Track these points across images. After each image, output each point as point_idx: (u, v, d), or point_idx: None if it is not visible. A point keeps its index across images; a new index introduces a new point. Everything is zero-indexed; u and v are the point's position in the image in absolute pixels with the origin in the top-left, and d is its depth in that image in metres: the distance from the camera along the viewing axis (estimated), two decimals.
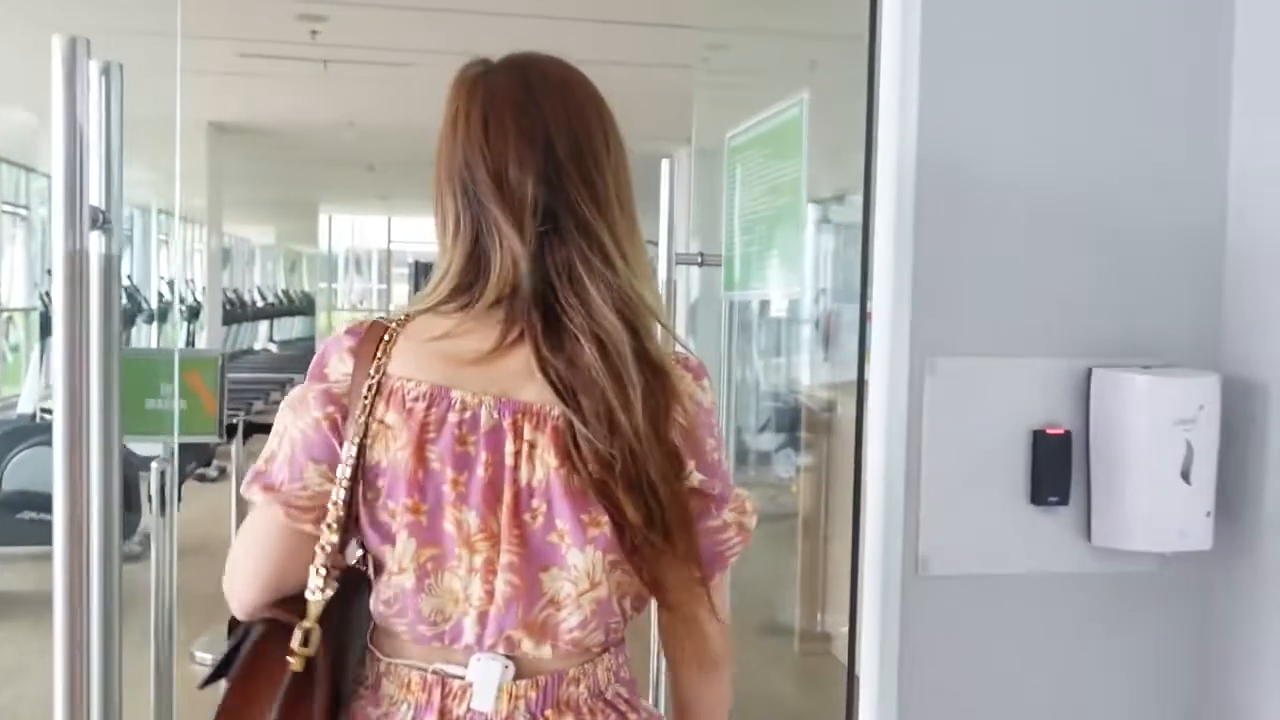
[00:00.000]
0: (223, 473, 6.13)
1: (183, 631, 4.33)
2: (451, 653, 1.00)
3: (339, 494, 0.99)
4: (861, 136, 1.47)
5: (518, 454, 0.98)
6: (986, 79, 1.37)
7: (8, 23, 5.38)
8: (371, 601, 1.03)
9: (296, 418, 1.02)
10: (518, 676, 1.00)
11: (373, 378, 1.00)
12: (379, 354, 1.01)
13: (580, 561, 0.98)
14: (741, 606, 2.57)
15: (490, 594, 0.98)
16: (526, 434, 0.98)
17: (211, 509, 5.31)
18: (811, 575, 3.89)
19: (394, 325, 1.03)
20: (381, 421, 0.99)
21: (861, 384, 1.39)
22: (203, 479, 6.41)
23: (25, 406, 8.45)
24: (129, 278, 11.82)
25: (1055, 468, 1.37)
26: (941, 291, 1.38)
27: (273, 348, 16.61)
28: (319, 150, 9.35)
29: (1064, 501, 1.38)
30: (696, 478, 1.02)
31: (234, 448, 4.21)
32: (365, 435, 0.99)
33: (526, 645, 0.99)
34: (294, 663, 0.99)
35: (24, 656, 4.17)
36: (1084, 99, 1.40)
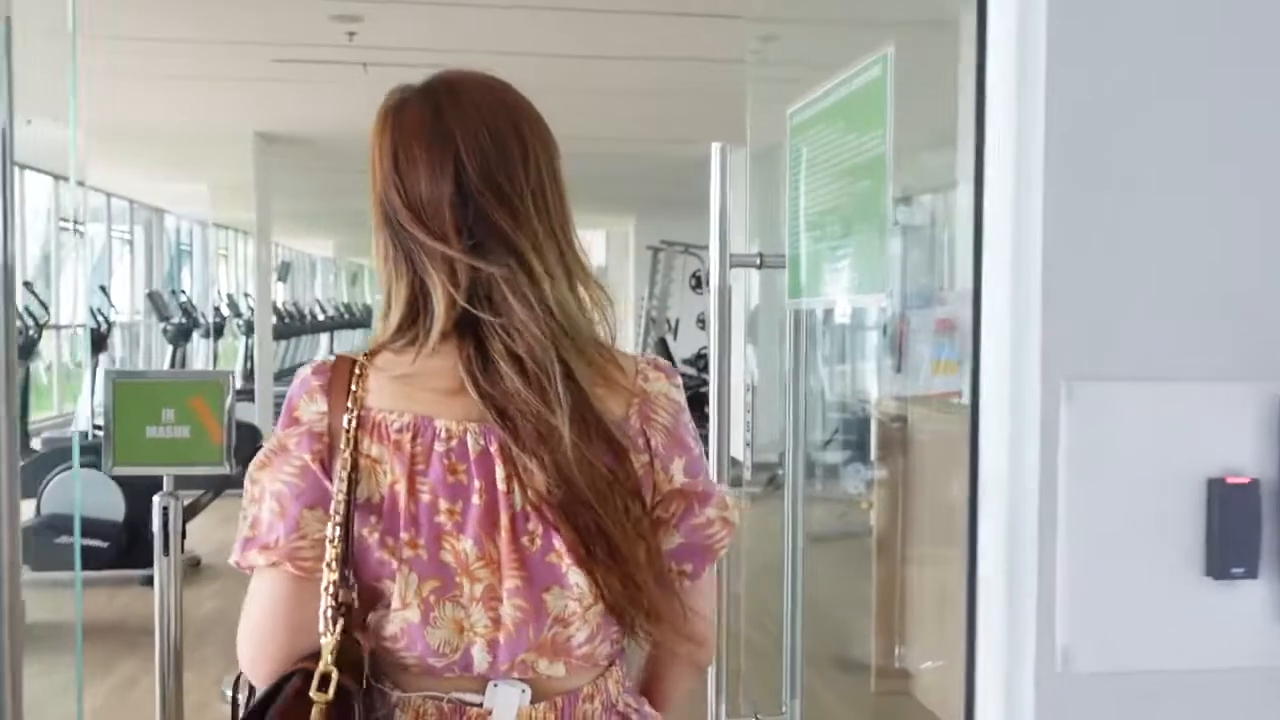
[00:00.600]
0: None
1: (213, 668, 4.14)
2: (466, 681, 1.01)
3: (334, 531, 0.98)
4: (934, 131, 1.23)
5: (509, 478, 1.00)
6: (1137, 39, 1.04)
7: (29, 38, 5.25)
8: (372, 640, 1.02)
9: (276, 471, 1.01)
10: (534, 700, 1.01)
11: (351, 411, 1.01)
12: (353, 387, 1.02)
13: (581, 579, 1.00)
14: (812, 636, 2.27)
15: (496, 621, 0.99)
16: (515, 457, 0.99)
17: None
18: (888, 603, 3.60)
19: (362, 359, 1.04)
20: (368, 455, 1.00)
21: (976, 416, 1.06)
22: None
23: (80, 424, 8.42)
24: (184, 293, 11.82)
25: (1239, 529, 1.03)
26: (1081, 297, 1.04)
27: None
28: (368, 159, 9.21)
29: (1251, 574, 1.04)
30: (680, 479, 1.05)
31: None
32: (354, 470, 0.99)
33: (541, 666, 1.01)
34: (315, 711, 0.97)
35: (52, 691, 4.00)
36: (1271, 56, 1.05)
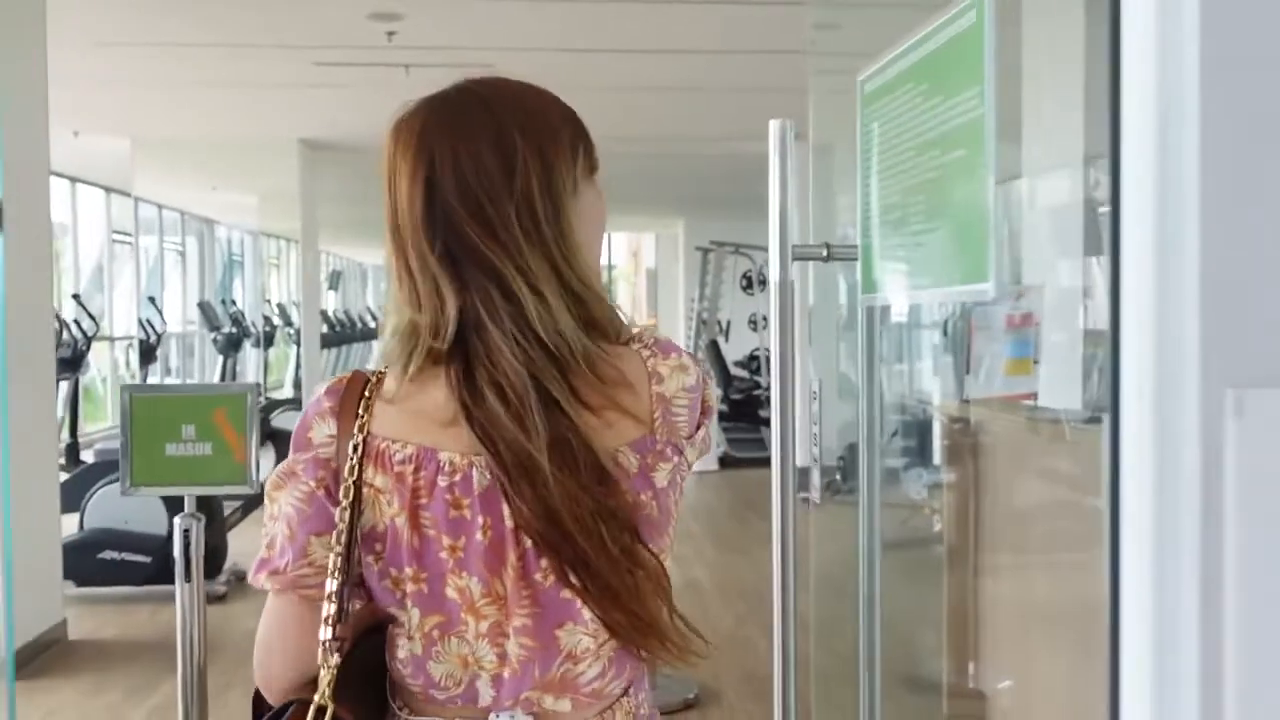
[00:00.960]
0: None
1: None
2: (469, 710, 1.01)
3: (334, 561, 0.98)
4: (1008, 123, 1.12)
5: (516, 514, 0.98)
6: None
7: (90, 53, 5.20)
8: (387, 656, 1.03)
9: (288, 493, 1.02)
10: None
11: (357, 437, 1.00)
12: (360, 412, 1.01)
13: (595, 615, 0.99)
14: (881, 651, 2.05)
15: (502, 657, 1.00)
16: (506, 488, 0.97)
17: None
18: (961, 617, 3.38)
19: (373, 379, 1.03)
20: (372, 485, 1.00)
21: (1116, 437, 0.85)
22: None
23: None
24: (234, 303, 11.84)
25: None
26: (1252, 288, 0.83)
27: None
28: None
29: None
30: (692, 454, 1.05)
31: None
32: (358, 499, 0.99)
33: (547, 702, 1.01)
34: None
35: (94, 713, 3.90)
36: None
